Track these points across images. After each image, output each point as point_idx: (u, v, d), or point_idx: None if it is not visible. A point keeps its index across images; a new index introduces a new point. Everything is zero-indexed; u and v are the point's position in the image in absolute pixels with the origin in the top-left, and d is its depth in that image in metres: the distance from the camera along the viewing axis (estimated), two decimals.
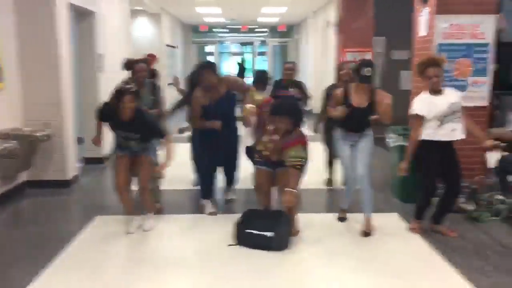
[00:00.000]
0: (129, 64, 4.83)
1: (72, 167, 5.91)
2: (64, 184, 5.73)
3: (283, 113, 3.88)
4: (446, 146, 4.03)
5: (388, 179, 5.67)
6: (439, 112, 3.91)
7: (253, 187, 4.34)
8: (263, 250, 3.84)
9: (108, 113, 4.12)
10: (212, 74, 4.51)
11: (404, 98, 4.87)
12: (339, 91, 4.29)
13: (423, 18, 5.07)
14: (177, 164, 6.53)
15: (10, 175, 5.19)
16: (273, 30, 19.42)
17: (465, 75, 4.93)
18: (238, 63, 18.01)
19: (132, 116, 4.02)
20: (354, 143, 4.29)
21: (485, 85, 4.94)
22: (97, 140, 4.36)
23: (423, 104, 3.98)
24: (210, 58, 21.43)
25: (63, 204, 5.21)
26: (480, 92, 4.94)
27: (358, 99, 4.14)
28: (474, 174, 5.00)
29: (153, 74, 5.20)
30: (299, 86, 5.83)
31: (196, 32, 19.06)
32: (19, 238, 4.21)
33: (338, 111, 4.18)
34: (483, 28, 4.84)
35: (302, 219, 4.36)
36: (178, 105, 5.68)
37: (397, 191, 5.29)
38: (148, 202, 4.41)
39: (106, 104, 4.18)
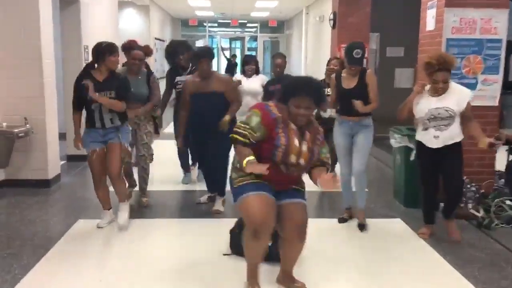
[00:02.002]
0: (128, 46, 4.58)
1: (54, 166, 5.52)
2: (44, 184, 5.35)
3: (308, 91, 2.72)
4: (437, 151, 3.83)
5: (390, 182, 5.38)
6: (420, 114, 3.80)
7: (247, 229, 2.88)
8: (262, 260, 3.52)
9: (79, 81, 3.95)
10: (209, 65, 4.39)
11: (399, 97, 4.56)
12: (332, 79, 4.28)
13: (430, 12, 4.78)
14: (164, 163, 6.33)
15: None
16: (264, 25, 19.07)
17: (475, 73, 4.65)
18: (228, 59, 17.61)
19: (107, 76, 3.98)
20: (353, 133, 4.17)
21: (497, 83, 4.66)
22: (77, 142, 4.14)
23: (418, 99, 3.86)
24: None
25: (42, 205, 4.82)
26: (490, 91, 4.66)
27: (349, 81, 4.10)
28: (482, 178, 4.74)
29: (147, 67, 4.86)
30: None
31: (186, 26, 18.63)
32: None
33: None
34: (495, 22, 4.56)
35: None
36: (165, 101, 5.47)
37: (400, 195, 5.01)
38: (122, 191, 4.20)
39: (78, 78, 4.01)
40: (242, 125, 2.75)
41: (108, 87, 3.94)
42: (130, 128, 4.42)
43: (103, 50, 3.92)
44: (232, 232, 3.71)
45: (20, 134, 4.96)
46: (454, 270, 3.46)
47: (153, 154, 4.76)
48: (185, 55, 5.32)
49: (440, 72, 3.63)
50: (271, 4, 13.42)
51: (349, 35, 8.91)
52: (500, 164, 4.99)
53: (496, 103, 4.70)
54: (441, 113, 3.73)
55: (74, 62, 6.42)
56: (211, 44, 20.75)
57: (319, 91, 2.81)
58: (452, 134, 3.77)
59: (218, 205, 4.65)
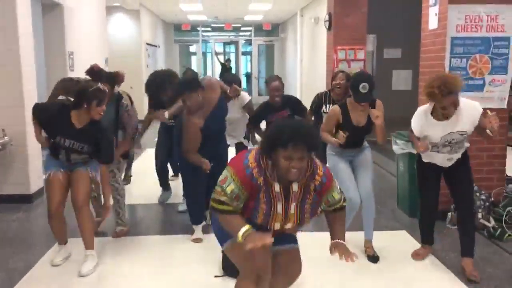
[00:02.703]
0: (91, 73, 3.96)
1: (36, 180, 5.18)
2: (26, 199, 5.02)
3: (301, 139, 2.15)
4: (440, 169, 3.47)
5: (393, 190, 5.09)
6: (431, 139, 3.32)
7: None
8: None
9: (53, 117, 3.35)
10: (195, 95, 3.64)
11: (397, 99, 4.25)
12: (335, 111, 3.63)
13: (433, 9, 4.49)
14: (141, 174, 5.99)
15: None
16: (258, 28, 18.79)
17: (482, 73, 4.35)
18: (222, 64, 17.29)
19: (86, 125, 3.35)
20: (352, 158, 3.75)
21: (505, 84, 4.37)
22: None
23: (420, 118, 3.35)
24: (193, 59, 20.73)
25: (21, 223, 4.49)
26: (498, 92, 4.36)
27: (357, 117, 3.58)
28: (492, 185, 4.44)
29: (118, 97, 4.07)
30: (294, 103, 4.70)
31: (179, 31, 18.33)
32: None
33: (339, 138, 3.50)
34: (502, 19, 4.27)
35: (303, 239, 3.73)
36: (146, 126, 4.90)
37: (404, 204, 4.71)
38: (88, 233, 3.49)
39: (53, 105, 3.51)
40: (219, 189, 2.25)
41: (84, 139, 3.33)
42: None
43: (89, 97, 3.26)
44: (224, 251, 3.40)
45: None
46: None
47: (131, 176, 4.35)
48: (168, 90, 4.35)
49: (446, 98, 3.09)
50: (265, 7, 13.15)
51: (346, 37, 8.65)
52: (510, 168, 4.71)
53: (504, 105, 4.41)
54: (455, 138, 3.28)
55: (58, 69, 6.12)
56: (204, 49, 20.49)
57: (313, 136, 2.23)
58: (464, 148, 3.43)
59: (198, 232, 4.08)
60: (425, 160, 3.50)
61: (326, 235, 2.48)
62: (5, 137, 4.74)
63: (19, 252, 3.79)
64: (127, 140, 4.06)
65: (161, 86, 4.50)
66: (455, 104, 3.16)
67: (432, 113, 3.29)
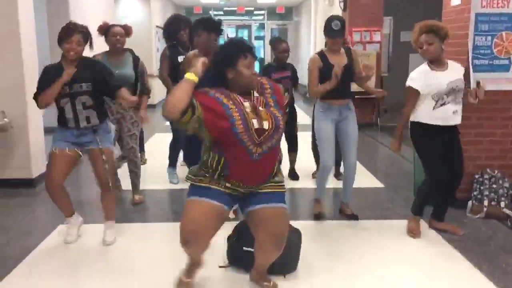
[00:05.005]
0: (104, 27, 4.14)
1: (38, 164, 5.01)
2: (28, 183, 4.87)
3: (250, 50, 2.49)
4: (447, 129, 3.49)
5: (409, 177, 4.83)
6: (435, 90, 3.40)
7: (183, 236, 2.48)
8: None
9: (49, 71, 3.29)
10: (205, 34, 3.58)
11: None
12: (313, 59, 3.78)
13: None
14: (158, 158, 5.83)
15: None
16: (271, 12, 18.42)
17: (509, 52, 4.05)
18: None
19: (77, 64, 3.27)
20: (340, 119, 3.82)
21: None
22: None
23: (419, 76, 3.46)
24: None
25: (23, 208, 4.34)
26: None
27: (336, 59, 3.72)
28: None
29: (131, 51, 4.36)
30: (293, 68, 5.16)
31: (190, 14, 18.06)
32: None
33: (334, 73, 3.56)
34: None
35: (303, 230, 3.52)
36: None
37: None
38: (111, 207, 3.57)
39: (45, 69, 3.37)
40: None
41: (81, 76, 3.24)
42: (111, 126, 3.78)
43: (59, 36, 3.22)
44: (229, 239, 3.20)
45: None
46: (490, 282, 2.92)
47: (146, 159, 4.27)
48: (186, 30, 4.72)
49: (424, 35, 3.39)
50: None
51: (362, 18, 8.35)
52: None
53: None
54: (458, 85, 3.44)
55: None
56: None
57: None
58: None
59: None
60: (431, 122, 3.45)
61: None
62: (5, 119, 4.58)
63: (17, 238, 3.64)
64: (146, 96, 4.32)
65: (178, 25, 4.88)
66: (430, 44, 3.36)
67: (428, 64, 3.47)
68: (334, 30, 3.68)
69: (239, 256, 3.10)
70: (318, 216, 4.01)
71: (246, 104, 2.41)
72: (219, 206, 2.43)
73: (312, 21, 13.73)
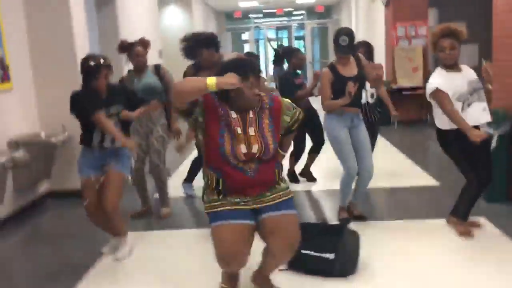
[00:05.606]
0: (126, 46, 4.26)
1: None
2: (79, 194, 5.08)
3: (256, 70, 2.55)
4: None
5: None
6: (458, 92, 3.34)
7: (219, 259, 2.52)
8: (322, 276, 3.02)
9: (81, 101, 3.41)
10: (207, 52, 3.73)
11: None
12: (324, 72, 3.80)
13: None
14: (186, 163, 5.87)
15: (25, 187, 4.58)
16: (310, 11, 18.35)
17: None
18: (275, 49, 16.99)
19: (104, 91, 3.45)
20: (352, 126, 3.83)
21: None
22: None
23: (440, 80, 3.38)
24: (246, 46, 20.59)
25: (85, 218, 4.54)
26: None
27: (346, 70, 3.76)
28: None
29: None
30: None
31: (230, 19, 18.27)
32: (31, 263, 3.58)
33: (348, 89, 3.57)
34: None
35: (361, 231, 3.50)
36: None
37: None
38: (119, 226, 3.58)
39: (76, 93, 3.49)
40: None
41: (112, 102, 3.43)
42: (131, 153, 3.72)
43: (85, 71, 3.38)
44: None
45: (60, 143, 4.71)
46: None
47: (169, 169, 4.31)
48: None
49: (444, 39, 3.35)
50: None
51: (406, 12, 8.21)
52: None
53: None
54: (479, 84, 3.44)
55: (113, 63, 6.14)
56: (257, 36, 20.28)
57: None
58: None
59: None
60: (452, 128, 3.38)
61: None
62: (66, 133, 4.80)
63: (83, 247, 3.82)
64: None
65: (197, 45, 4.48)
66: (453, 49, 3.32)
67: (444, 68, 3.44)
68: (341, 46, 3.69)
69: (298, 259, 3.08)
70: (346, 221, 3.90)
71: (238, 129, 2.45)
72: (244, 223, 2.48)
73: (353, 18, 13.59)
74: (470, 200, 3.58)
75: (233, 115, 2.47)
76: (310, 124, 4.96)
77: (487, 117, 3.44)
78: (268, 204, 2.53)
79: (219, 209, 2.50)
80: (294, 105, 2.67)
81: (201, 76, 3.47)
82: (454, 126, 3.35)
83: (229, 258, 2.46)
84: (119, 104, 3.47)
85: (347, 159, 3.78)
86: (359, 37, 12.94)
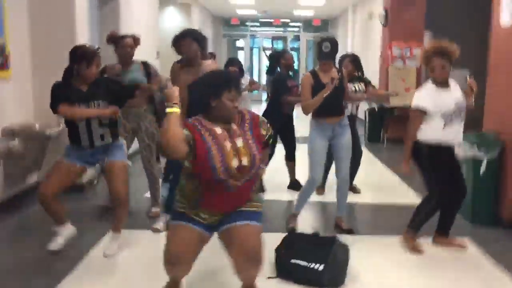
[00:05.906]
0: (115, 36, 4.20)
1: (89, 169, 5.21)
2: (78, 189, 5.07)
3: (236, 84, 2.57)
4: (452, 148, 3.60)
5: None
6: (445, 109, 3.46)
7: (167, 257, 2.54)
8: (310, 286, 3.06)
9: (64, 91, 3.28)
10: (193, 44, 3.80)
11: None
12: (306, 76, 3.90)
13: (508, 3, 4.17)
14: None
15: (16, 177, 4.54)
16: (307, 24, 18.53)
17: None
18: (270, 55, 17.08)
19: (90, 83, 3.35)
20: (332, 135, 3.91)
21: None
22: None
23: (427, 96, 3.51)
24: (241, 53, 20.66)
25: (73, 213, 4.52)
26: None
27: (327, 77, 3.80)
28: None
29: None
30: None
31: (228, 26, 18.35)
32: (19, 256, 3.55)
33: (317, 97, 3.69)
34: None
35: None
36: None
37: (467, 210, 4.42)
38: (123, 221, 3.56)
39: (58, 84, 3.38)
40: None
41: (95, 96, 3.30)
42: (123, 142, 3.68)
43: (79, 58, 3.28)
44: (278, 251, 3.28)
45: (53, 135, 4.69)
46: None
47: (161, 168, 4.26)
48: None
49: (436, 58, 3.43)
50: (318, 2, 12.91)
51: (402, 33, 8.36)
52: None
53: None
54: (462, 105, 3.55)
55: (113, 60, 6.16)
56: (252, 44, 20.37)
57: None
58: None
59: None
60: (443, 140, 3.50)
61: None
62: (60, 126, 4.77)
63: (70, 240, 3.81)
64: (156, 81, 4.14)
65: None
66: (444, 68, 3.41)
67: (434, 82, 3.54)
68: (323, 52, 3.77)
69: (287, 268, 3.17)
70: (291, 230, 3.95)
71: (227, 144, 2.45)
72: (200, 231, 2.52)
73: (349, 34, 13.77)
74: (427, 214, 3.70)
75: (219, 130, 2.47)
76: (285, 130, 5.12)
77: (460, 139, 3.62)
78: (236, 211, 2.55)
79: (184, 211, 2.55)
80: (266, 120, 2.67)
81: (185, 74, 3.70)
82: (436, 140, 3.49)
83: (176, 259, 2.47)
84: (102, 100, 3.33)
85: (314, 169, 3.90)
86: (354, 51, 13.13)
